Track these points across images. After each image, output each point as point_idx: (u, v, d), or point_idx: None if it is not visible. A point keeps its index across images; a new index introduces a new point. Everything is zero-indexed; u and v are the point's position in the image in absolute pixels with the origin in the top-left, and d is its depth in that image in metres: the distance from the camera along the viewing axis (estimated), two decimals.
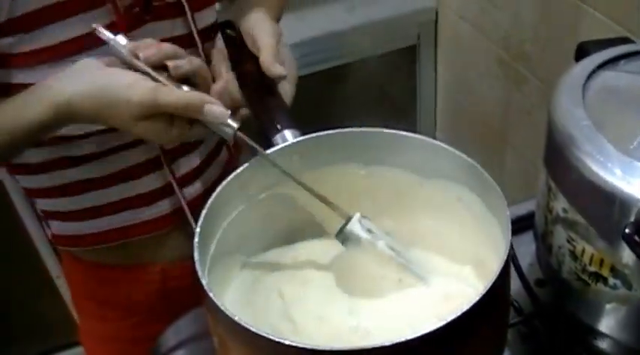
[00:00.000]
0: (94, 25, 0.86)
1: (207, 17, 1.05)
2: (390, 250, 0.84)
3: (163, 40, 0.88)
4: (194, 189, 1.11)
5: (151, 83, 0.81)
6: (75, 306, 1.27)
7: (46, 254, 2.01)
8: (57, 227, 1.11)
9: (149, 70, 0.83)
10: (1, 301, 2.05)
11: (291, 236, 0.93)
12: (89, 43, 0.90)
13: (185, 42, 0.99)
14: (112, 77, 0.82)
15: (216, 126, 0.83)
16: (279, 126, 0.87)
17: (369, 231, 0.84)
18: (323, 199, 0.84)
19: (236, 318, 0.65)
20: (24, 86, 0.89)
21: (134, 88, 0.80)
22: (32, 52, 0.89)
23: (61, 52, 0.90)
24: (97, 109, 0.82)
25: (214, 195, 0.79)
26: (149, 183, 1.06)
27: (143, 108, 0.80)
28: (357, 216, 0.84)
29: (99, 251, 1.11)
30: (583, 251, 0.79)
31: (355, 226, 0.84)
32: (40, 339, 2.18)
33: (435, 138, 0.84)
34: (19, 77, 0.91)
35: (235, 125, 0.83)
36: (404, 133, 0.85)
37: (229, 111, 0.84)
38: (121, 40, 0.84)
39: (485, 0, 1.81)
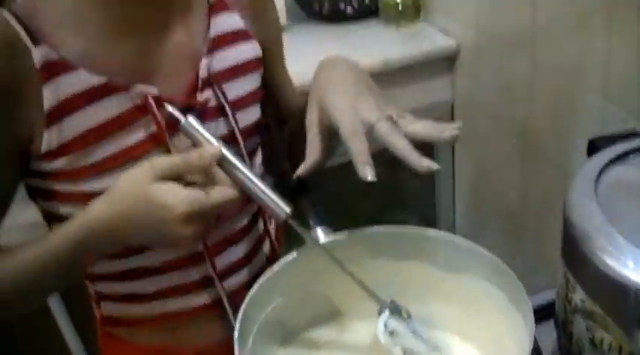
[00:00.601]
0: (166, 105, 0.93)
1: (250, 115, 1.10)
2: None
3: None
4: (236, 280, 1.14)
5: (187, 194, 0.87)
6: None
7: (72, 339, 2.04)
8: (107, 308, 1.15)
9: (213, 141, 0.90)
10: None
11: (325, 319, 0.97)
12: (135, 154, 0.96)
13: (227, 140, 1.03)
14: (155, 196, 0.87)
15: (269, 208, 0.89)
16: (310, 223, 0.93)
17: (392, 333, 0.87)
18: (364, 286, 0.88)
19: None
20: (70, 194, 0.97)
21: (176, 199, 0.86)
22: (81, 169, 0.95)
23: (107, 166, 0.96)
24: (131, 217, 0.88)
25: (249, 295, 0.86)
26: (190, 274, 1.09)
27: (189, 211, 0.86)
28: (385, 315, 0.88)
29: (139, 332, 1.15)
30: (602, 339, 0.82)
31: (380, 329, 0.88)
32: None
33: (454, 226, 0.90)
34: (65, 187, 0.97)
35: (287, 209, 0.88)
36: (431, 231, 0.91)
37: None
38: (192, 120, 0.91)
39: (500, 91, 1.86)
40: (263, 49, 1.13)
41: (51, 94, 0.92)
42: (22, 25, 0.91)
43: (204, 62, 1.03)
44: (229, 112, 1.04)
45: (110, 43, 0.96)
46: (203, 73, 1.02)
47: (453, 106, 2.10)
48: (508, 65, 1.80)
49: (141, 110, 0.97)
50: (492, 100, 1.92)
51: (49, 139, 0.93)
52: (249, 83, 1.10)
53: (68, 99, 0.93)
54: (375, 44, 2.03)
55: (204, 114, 1.02)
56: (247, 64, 1.10)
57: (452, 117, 2.12)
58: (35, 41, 0.91)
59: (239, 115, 1.06)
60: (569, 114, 1.59)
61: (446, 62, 2.04)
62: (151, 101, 0.96)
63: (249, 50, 1.10)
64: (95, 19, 0.95)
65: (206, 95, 1.03)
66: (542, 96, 1.69)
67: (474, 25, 1.91)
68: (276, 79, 1.21)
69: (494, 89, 1.89)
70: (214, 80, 1.03)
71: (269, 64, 1.16)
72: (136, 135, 0.97)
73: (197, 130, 0.92)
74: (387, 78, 1.88)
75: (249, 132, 1.09)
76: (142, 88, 0.96)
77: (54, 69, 0.92)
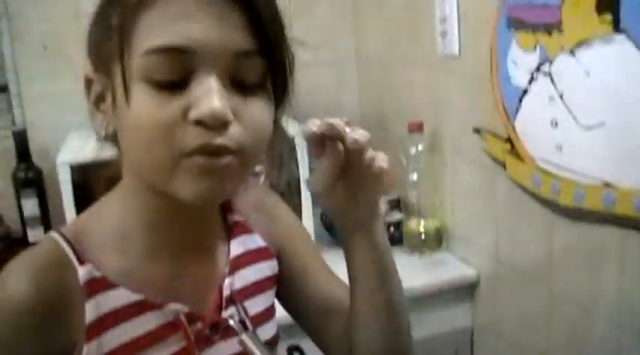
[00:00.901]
0: (227, 318, 1.01)
1: (268, 331, 1.15)
2: None
3: None
4: None
5: None
6: None
7: None
8: None
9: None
10: None
11: None
12: None
13: None
14: None
15: None
16: None
17: None
18: None
19: None
20: None
21: None
22: None
23: None
24: None
25: None
26: None
27: None
28: None
29: None
30: None
31: None
32: None
33: None
34: None
35: None
36: None
37: None
38: (250, 334, 1.01)
39: (519, 319, 1.90)
40: (294, 261, 1.22)
41: (92, 310, 0.99)
42: (69, 245, 1.00)
43: (226, 282, 1.10)
44: (250, 328, 1.10)
45: (149, 263, 1.04)
46: (226, 292, 1.10)
47: (472, 333, 2.13)
48: (526, 295, 1.84)
49: (173, 326, 1.03)
50: (512, 328, 1.94)
51: (88, 352, 0.98)
52: (266, 299, 1.17)
53: (108, 315, 0.99)
54: (399, 271, 2.08)
55: (227, 330, 1.07)
56: (265, 281, 1.17)
57: (471, 344, 2.14)
58: (81, 260, 1.00)
59: (259, 330, 1.12)
60: (585, 344, 1.62)
61: (466, 290, 2.09)
62: (183, 319, 1.03)
63: (267, 269, 1.18)
64: (138, 240, 1.04)
65: (230, 311, 1.09)
66: (560, 326, 1.72)
67: (493, 256, 1.98)
68: (312, 290, 1.25)
69: (514, 317, 1.93)
70: (236, 298, 1.11)
71: (302, 275, 1.24)
72: (168, 349, 1.02)
73: (253, 344, 1.01)
74: (410, 304, 1.90)
75: (268, 345, 1.14)
76: (174, 306, 1.03)
77: (96, 286, 1.00)
